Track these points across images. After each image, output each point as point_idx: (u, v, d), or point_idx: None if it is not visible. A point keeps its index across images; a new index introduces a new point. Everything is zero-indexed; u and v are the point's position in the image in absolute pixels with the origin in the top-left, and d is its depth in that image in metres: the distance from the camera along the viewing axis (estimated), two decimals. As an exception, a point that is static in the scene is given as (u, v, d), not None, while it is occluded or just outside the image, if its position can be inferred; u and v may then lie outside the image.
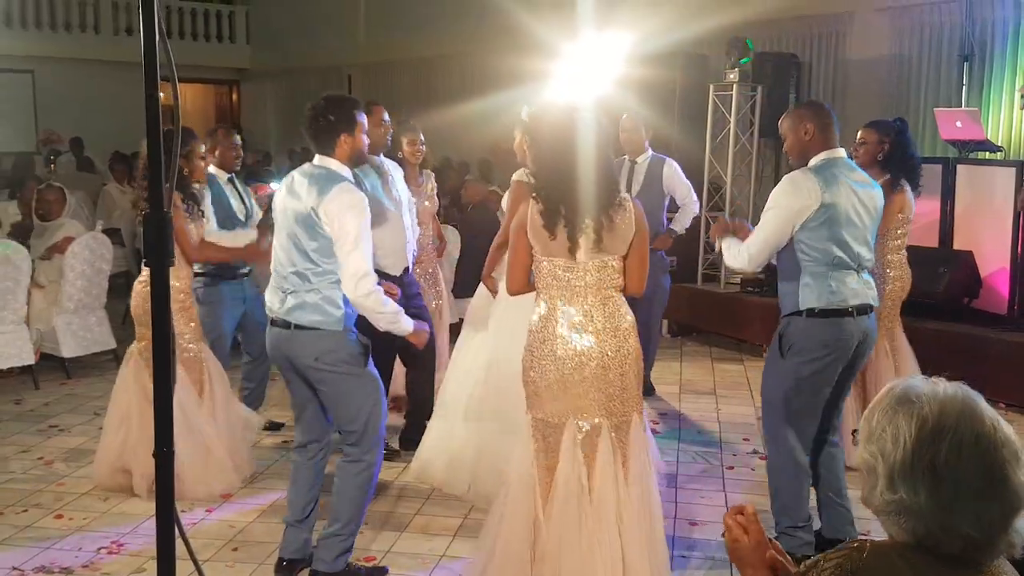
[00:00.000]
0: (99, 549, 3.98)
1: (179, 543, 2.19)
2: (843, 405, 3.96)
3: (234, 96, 19.48)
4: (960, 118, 7.32)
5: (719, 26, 8.80)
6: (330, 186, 3.43)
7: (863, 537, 1.61)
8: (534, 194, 3.28)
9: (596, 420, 3.26)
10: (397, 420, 5.26)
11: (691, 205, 6.07)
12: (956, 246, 6.89)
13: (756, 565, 1.82)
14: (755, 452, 5.20)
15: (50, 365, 6.77)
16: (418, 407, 5.17)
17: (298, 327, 3.47)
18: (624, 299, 3.34)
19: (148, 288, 4.28)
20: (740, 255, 3.79)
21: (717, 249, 3.96)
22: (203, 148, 4.77)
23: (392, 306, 3.51)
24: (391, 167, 5.03)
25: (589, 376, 3.24)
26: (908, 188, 4.83)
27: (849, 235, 3.66)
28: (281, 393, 6.02)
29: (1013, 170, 6.39)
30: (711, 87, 8.50)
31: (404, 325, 3.57)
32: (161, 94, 2.09)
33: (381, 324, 3.53)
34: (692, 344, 7.96)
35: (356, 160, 3.62)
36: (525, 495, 3.30)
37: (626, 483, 3.25)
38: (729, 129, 8.33)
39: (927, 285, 6.60)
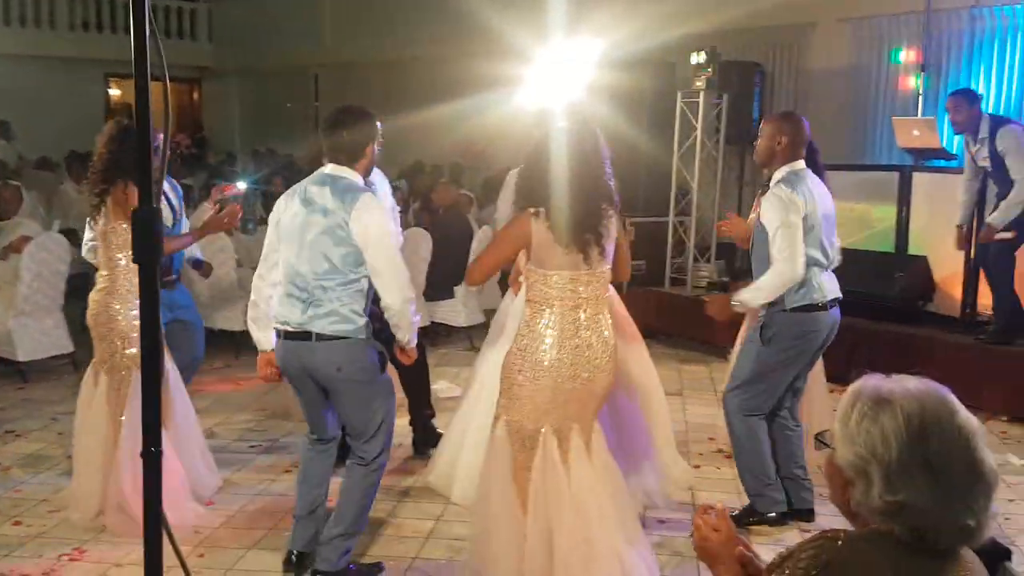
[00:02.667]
0: (60, 556, 3.90)
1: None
2: (802, 390, 4.33)
3: (195, 95, 19.24)
4: (917, 127, 7.47)
5: (687, 34, 8.86)
6: (357, 196, 3.47)
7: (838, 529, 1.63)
8: (535, 210, 3.35)
9: (570, 426, 3.41)
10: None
11: None
12: (911, 251, 7.07)
13: (726, 561, 1.84)
14: (720, 451, 5.25)
15: (6, 370, 6.62)
16: (418, 408, 5.19)
17: (320, 337, 3.45)
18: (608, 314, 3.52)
19: (107, 297, 4.18)
20: (782, 274, 3.92)
21: (740, 309, 4.16)
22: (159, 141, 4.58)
23: (416, 318, 3.60)
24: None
25: (579, 387, 3.37)
26: None
27: (822, 238, 4.07)
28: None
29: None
30: (679, 94, 8.58)
31: (414, 337, 3.66)
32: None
33: (405, 334, 3.59)
34: (660, 347, 8.01)
35: (366, 173, 3.65)
36: (506, 495, 3.40)
37: (592, 465, 3.44)
38: (696, 136, 8.41)
39: (884, 288, 6.77)
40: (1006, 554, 1.69)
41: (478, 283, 3.67)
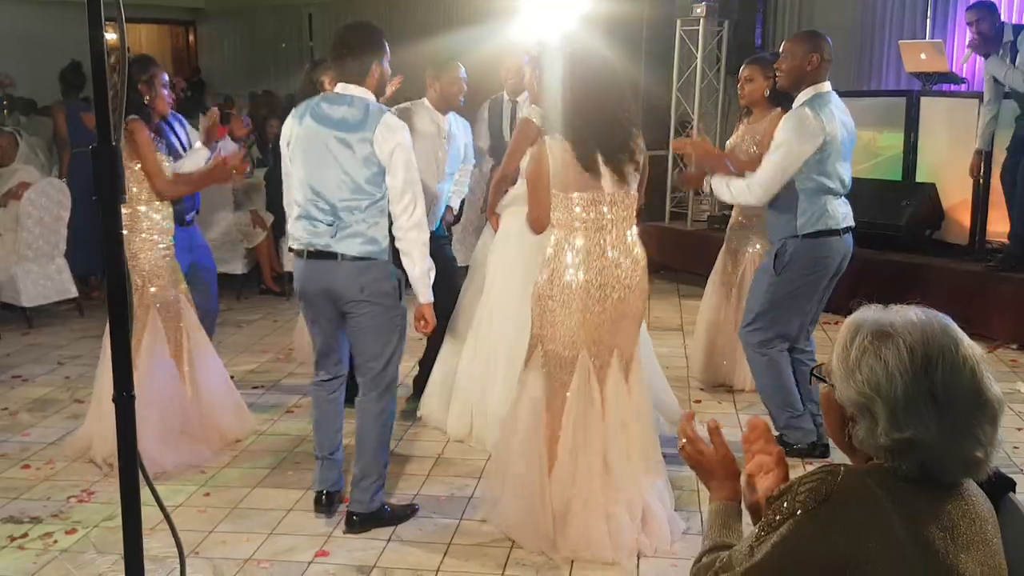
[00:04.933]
0: (68, 498, 3.94)
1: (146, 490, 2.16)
2: (816, 321, 4.28)
3: (191, 38, 18.98)
4: (924, 50, 7.32)
5: (685, -41, 8.65)
6: (378, 114, 3.42)
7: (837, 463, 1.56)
8: (563, 134, 3.29)
9: (607, 351, 3.37)
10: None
11: None
12: (919, 179, 6.96)
13: (720, 478, 1.82)
14: (721, 385, 5.27)
15: (11, 315, 6.66)
16: (431, 351, 5.15)
17: (345, 258, 3.44)
18: (637, 233, 3.45)
19: (129, 234, 4.13)
20: (752, 190, 3.98)
21: (708, 191, 4.05)
22: (166, 77, 4.44)
23: (429, 260, 3.55)
24: (459, 126, 4.91)
25: (610, 308, 3.33)
26: None
27: (842, 164, 3.98)
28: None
29: (975, 102, 6.41)
30: (678, 22, 8.41)
31: (429, 287, 3.58)
32: (113, 35, 2.01)
33: (417, 268, 3.51)
34: (660, 282, 7.99)
35: (379, 91, 3.58)
36: (535, 422, 3.39)
37: (629, 398, 3.41)
38: (696, 65, 8.26)
39: (890, 217, 6.70)
40: (1011, 485, 1.63)
41: (544, 227, 3.46)
